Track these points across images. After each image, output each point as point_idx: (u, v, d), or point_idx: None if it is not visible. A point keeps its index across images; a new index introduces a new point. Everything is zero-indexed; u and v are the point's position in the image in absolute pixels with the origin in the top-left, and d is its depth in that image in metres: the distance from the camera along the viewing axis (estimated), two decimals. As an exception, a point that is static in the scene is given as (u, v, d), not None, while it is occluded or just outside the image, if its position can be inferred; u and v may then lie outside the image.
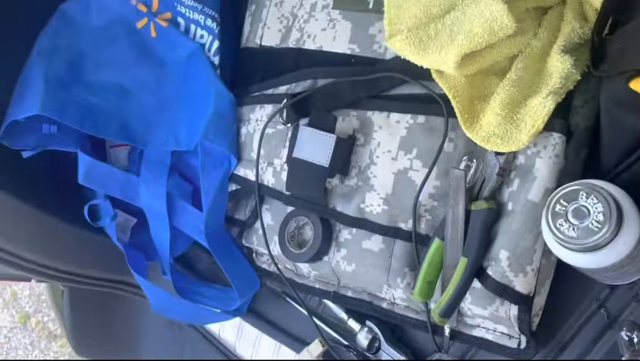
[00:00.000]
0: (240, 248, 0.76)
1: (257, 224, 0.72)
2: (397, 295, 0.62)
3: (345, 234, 0.64)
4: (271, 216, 0.70)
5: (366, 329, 0.67)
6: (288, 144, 0.65)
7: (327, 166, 0.59)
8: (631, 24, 0.46)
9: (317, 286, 0.70)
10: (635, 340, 0.50)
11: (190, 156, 0.78)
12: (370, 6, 0.63)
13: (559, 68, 0.52)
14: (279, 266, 0.71)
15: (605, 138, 0.49)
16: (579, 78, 0.51)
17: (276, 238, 0.69)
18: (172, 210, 0.76)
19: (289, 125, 0.64)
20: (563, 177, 0.51)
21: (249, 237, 0.74)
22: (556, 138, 0.51)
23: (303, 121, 0.63)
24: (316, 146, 0.59)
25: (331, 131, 0.60)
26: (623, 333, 0.51)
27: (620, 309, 0.54)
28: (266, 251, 0.70)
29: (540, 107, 0.51)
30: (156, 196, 0.76)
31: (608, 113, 0.47)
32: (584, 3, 0.54)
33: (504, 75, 0.56)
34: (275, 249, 0.69)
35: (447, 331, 0.60)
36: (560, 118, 0.52)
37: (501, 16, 0.51)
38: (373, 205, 0.60)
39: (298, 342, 0.74)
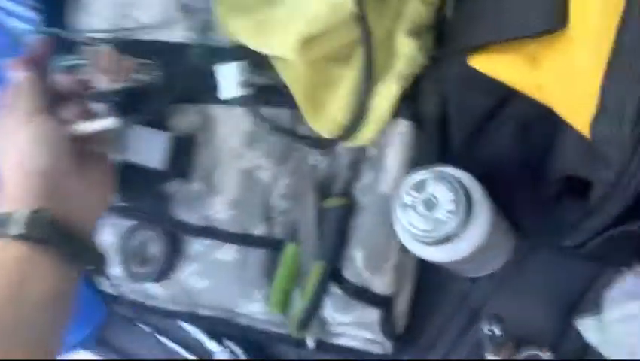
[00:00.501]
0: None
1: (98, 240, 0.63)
2: (254, 309, 0.56)
3: (196, 245, 0.57)
4: (112, 231, 0.61)
5: (222, 348, 0.60)
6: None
7: (162, 169, 0.52)
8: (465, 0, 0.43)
9: (170, 307, 0.62)
10: (497, 333, 0.48)
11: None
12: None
13: (404, 52, 0.48)
14: (126, 288, 0.62)
15: (451, 121, 0.47)
16: (425, 63, 0.49)
17: (119, 258, 0.60)
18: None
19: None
20: (415, 166, 0.48)
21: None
22: (405, 125, 0.48)
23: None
24: (149, 147, 0.51)
25: (164, 128, 0.52)
26: (484, 327, 0.49)
27: (482, 302, 0.52)
28: (110, 273, 0.62)
29: (386, 92, 0.48)
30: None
31: (452, 95, 0.45)
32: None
33: (347, 62, 0.52)
34: (119, 269, 0.61)
35: (311, 343, 0.55)
36: (408, 104, 0.48)
37: (341, -4, 0.47)
38: (220, 211, 0.54)
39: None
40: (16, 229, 0.42)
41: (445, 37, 0.46)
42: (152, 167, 0.52)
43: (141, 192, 0.54)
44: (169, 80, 0.53)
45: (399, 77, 0.48)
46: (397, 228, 0.44)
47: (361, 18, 0.47)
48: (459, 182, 0.41)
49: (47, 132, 0.46)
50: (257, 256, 0.55)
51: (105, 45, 0.51)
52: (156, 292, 0.61)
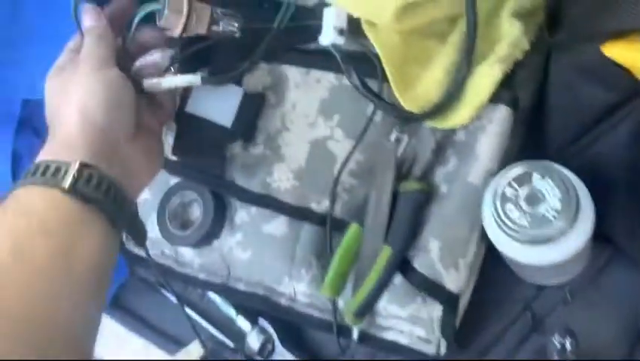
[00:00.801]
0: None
1: (132, 197, 0.59)
2: (299, 289, 0.52)
3: (243, 214, 0.53)
4: (149, 188, 0.57)
5: (257, 328, 0.56)
6: (179, 100, 0.52)
7: (229, 127, 0.48)
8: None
9: (201, 276, 0.58)
10: (568, 347, 0.45)
11: (50, 109, 0.62)
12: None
13: (508, 34, 0.45)
14: (156, 251, 0.58)
15: (556, 115, 0.43)
16: (527, 47, 0.45)
17: (154, 216, 0.56)
18: (18, 173, 0.59)
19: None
20: (506, 158, 0.45)
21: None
22: (503, 111, 0.44)
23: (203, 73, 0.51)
24: (217, 101, 0.47)
25: (237, 83, 0.48)
26: (554, 339, 0.45)
27: (547, 312, 0.49)
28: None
29: (486, 75, 0.44)
30: (-1, 155, 0.59)
31: (565, 85, 0.41)
32: (535, -35, 0.48)
33: (443, 38, 0.48)
34: (153, 230, 0.56)
35: (356, 334, 0.51)
36: (507, 89, 0.45)
37: (450, -37, 0.43)
38: (282, 180, 0.50)
39: (174, 343, 0.61)
40: (69, 181, 0.38)
41: (562, 22, 0.42)
42: (218, 123, 0.47)
43: (199, 149, 0.49)
44: (250, 34, 0.48)
45: (502, 59, 0.44)
46: (488, 221, 0.41)
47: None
48: (568, 180, 0.38)
49: (117, 87, 0.43)
50: (310, 232, 0.51)
51: None
52: (190, 258, 0.57)
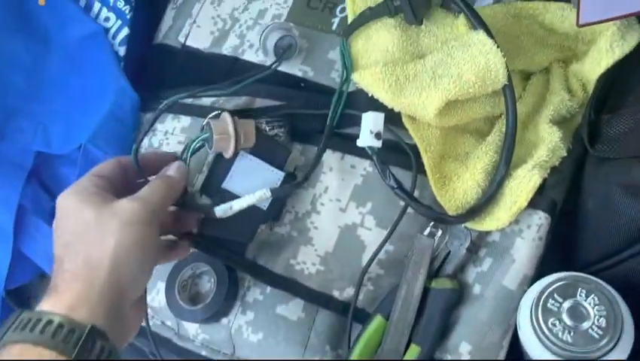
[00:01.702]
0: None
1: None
2: (311, 378, 0.50)
3: (257, 293, 0.51)
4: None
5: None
6: (206, 169, 0.51)
7: (264, 210, 0.47)
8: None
9: (203, 353, 0.55)
10: None
11: (61, 163, 0.60)
12: (334, 27, 0.53)
13: (547, 140, 0.46)
14: (156, 321, 0.55)
15: (593, 226, 0.43)
16: (565, 154, 0.46)
17: (161, 285, 0.54)
18: (20, 227, 0.58)
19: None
20: (539, 264, 0.44)
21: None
22: (542, 218, 0.44)
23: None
24: (257, 181, 0.46)
25: (280, 166, 0.47)
26: None
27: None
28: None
29: (525, 180, 0.44)
30: (3, 205, 0.57)
31: (606, 199, 0.41)
32: (570, 76, 0.50)
33: (480, 136, 0.49)
34: (159, 299, 0.54)
35: None
36: (545, 196, 0.45)
37: (496, 67, 0.44)
38: (307, 263, 0.48)
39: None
40: (61, 346, 0.33)
41: (601, 136, 0.43)
42: (255, 204, 0.46)
43: (230, 228, 0.48)
44: (284, 112, 0.49)
45: (542, 165, 0.44)
46: (525, 330, 0.40)
47: (511, 91, 0.45)
48: (613, 297, 0.38)
49: (150, 250, 0.39)
50: (326, 320, 0.49)
51: (224, 113, 0.47)
52: (194, 333, 0.54)
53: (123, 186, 0.43)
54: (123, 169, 0.44)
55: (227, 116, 0.47)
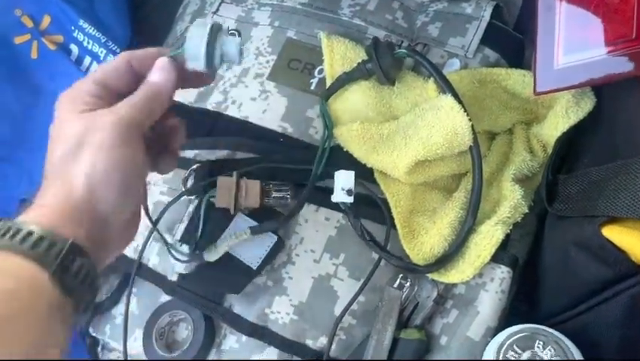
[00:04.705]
0: (83, 337, 0.59)
1: (116, 310, 0.57)
2: None
3: (232, 341, 0.52)
4: (137, 303, 0.56)
5: None
6: (187, 220, 0.53)
7: (254, 269, 0.49)
8: (593, 169, 0.44)
9: (176, 399, 0.55)
10: None
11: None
12: (313, 87, 0.56)
13: (510, 197, 0.48)
14: (131, 366, 0.56)
15: (552, 280, 0.46)
16: (526, 211, 0.49)
17: (139, 333, 0.54)
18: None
19: (193, 197, 0.53)
20: (503, 316, 0.47)
21: (100, 325, 0.58)
22: (505, 272, 0.47)
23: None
24: (250, 241, 0.49)
25: (275, 230, 0.50)
26: None
27: None
28: (118, 347, 0.55)
29: (489, 235, 0.47)
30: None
31: (561, 253, 0.44)
32: (532, 137, 0.53)
33: (447, 193, 0.52)
34: (136, 346, 0.54)
35: None
36: (507, 251, 0.48)
37: (463, 130, 0.47)
38: (281, 313, 0.50)
39: None
40: (56, 265, 0.32)
41: (559, 195, 0.46)
42: (246, 263, 0.49)
43: (217, 281, 0.50)
44: (261, 166, 0.51)
45: (504, 221, 0.47)
46: (488, 380, 0.42)
47: (477, 151, 0.48)
48: (569, 350, 0.40)
49: (135, 174, 0.37)
50: (299, 369, 0.50)
51: (232, 176, 0.50)
52: (168, 380, 0.55)
53: (126, 86, 0.40)
54: (128, 65, 0.40)
55: (234, 175, 0.49)
